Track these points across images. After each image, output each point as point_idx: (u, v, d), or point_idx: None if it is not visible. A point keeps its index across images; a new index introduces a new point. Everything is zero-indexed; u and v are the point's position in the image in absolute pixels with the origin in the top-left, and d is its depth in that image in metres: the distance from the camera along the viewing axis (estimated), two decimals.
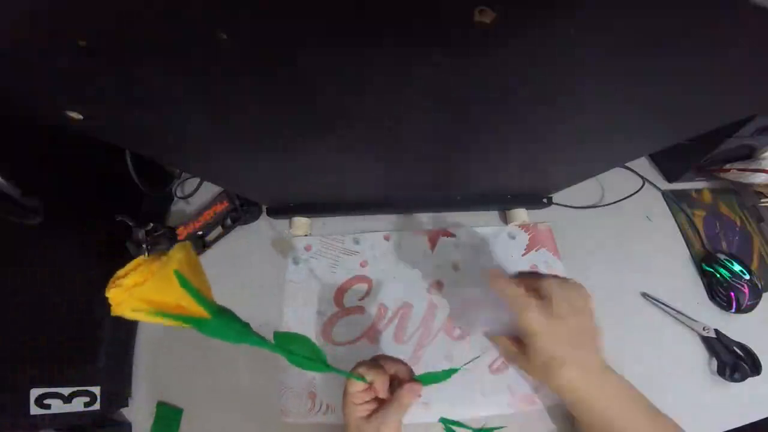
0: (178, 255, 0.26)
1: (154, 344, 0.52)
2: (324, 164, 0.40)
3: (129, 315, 0.24)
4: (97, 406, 0.44)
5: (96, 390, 0.44)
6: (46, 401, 0.39)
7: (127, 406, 0.48)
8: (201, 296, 0.27)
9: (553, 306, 0.35)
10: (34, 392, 0.39)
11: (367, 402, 0.35)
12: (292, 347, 0.30)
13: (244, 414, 0.48)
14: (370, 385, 0.34)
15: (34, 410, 0.38)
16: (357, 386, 0.34)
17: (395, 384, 0.35)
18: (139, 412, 0.48)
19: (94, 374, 0.45)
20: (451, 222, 0.58)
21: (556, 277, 0.39)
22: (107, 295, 0.24)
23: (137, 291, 0.24)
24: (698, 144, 0.55)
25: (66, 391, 0.41)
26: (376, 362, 0.36)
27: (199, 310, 0.27)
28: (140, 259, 0.25)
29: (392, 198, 0.55)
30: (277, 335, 0.30)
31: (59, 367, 0.42)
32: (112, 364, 0.48)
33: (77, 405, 0.42)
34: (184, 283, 0.25)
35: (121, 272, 0.25)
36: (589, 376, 0.35)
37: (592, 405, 0.36)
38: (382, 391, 0.34)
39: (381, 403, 0.35)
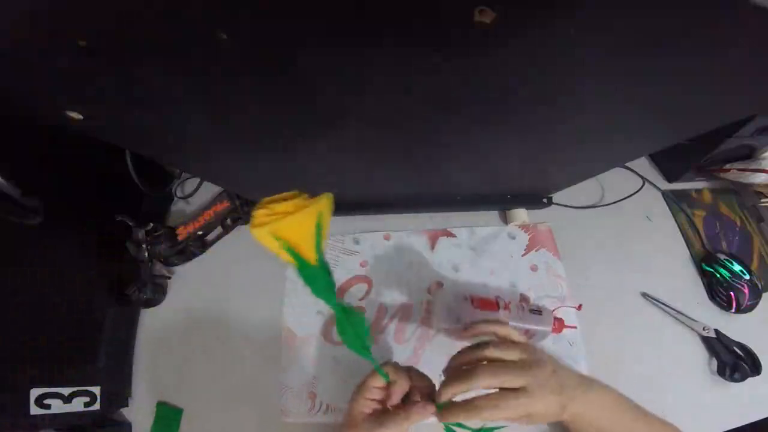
0: (325, 200, 0.28)
1: (154, 344, 0.52)
2: (324, 164, 0.40)
3: (263, 237, 0.27)
4: (97, 406, 0.44)
5: (96, 390, 0.44)
6: (46, 401, 0.39)
7: (127, 406, 0.48)
8: (321, 244, 0.30)
9: (529, 392, 0.33)
10: (34, 392, 0.39)
11: (375, 401, 0.35)
12: (349, 321, 0.32)
13: (244, 414, 0.48)
14: (389, 385, 0.35)
15: (34, 410, 0.38)
16: (376, 381, 0.35)
17: (408, 398, 0.36)
18: (139, 412, 0.48)
19: (94, 374, 0.45)
20: (451, 222, 0.58)
21: (486, 346, 0.36)
22: (253, 213, 0.28)
23: (282, 219, 0.27)
24: (698, 144, 0.55)
25: (66, 391, 0.41)
26: (404, 368, 0.36)
27: (309, 255, 0.30)
28: (296, 192, 0.28)
29: (392, 198, 0.55)
30: (340, 307, 0.32)
31: (59, 367, 0.42)
32: (112, 364, 0.47)
33: (77, 405, 0.42)
34: (319, 227, 0.28)
35: (274, 197, 0.28)
36: (576, 400, 0.35)
37: (586, 420, 0.36)
38: (396, 395, 0.35)
39: (385, 410, 0.35)
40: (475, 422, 0.35)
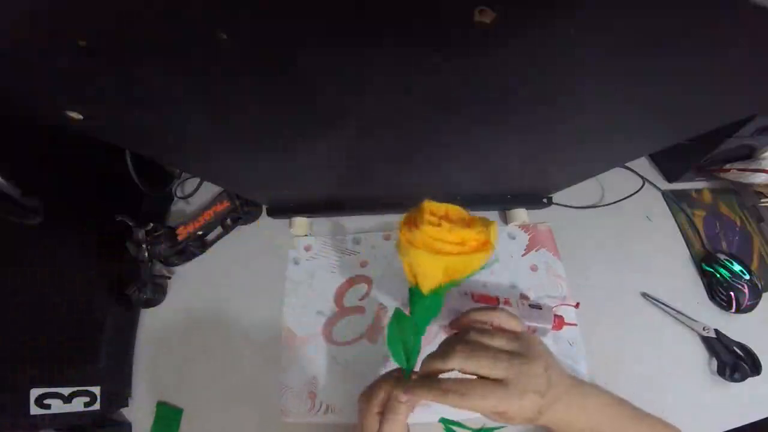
0: (487, 252, 0.31)
1: (154, 344, 0.52)
2: (324, 164, 0.40)
3: (422, 260, 0.31)
4: (97, 406, 0.44)
5: (96, 390, 0.44)
6: (46, 401, 0.39)
7: (127, 406, 0.48)
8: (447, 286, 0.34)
9: (513, 385, 0.30)
10: (34, 392, 0.39)
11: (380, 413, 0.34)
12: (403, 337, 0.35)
13: (244, 414, 0.48)
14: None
15: (34, 410, 0.38)
16: (382, 393, 0.34)
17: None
18: (139, 412, 0.48)
19: (94, 374, 0.45)
20: None
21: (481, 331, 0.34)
22: (420, 226, 0.31)
23: (453, 255, 0.30)
24: (698, 144, 0.55)
25: (66, 391, 0.41)
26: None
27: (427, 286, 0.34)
28: (483, 223, 0.32)
29: (392, 198, 0.55)
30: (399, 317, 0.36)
31: (59, 367, 0.42)
32: (112, 364, 0.48)
33: (77, 405, 0.42)
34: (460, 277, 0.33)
35: (439, 209, 0.32)
36: (569, 402, 0.33)
37: (577, 424, 0.34)
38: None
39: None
40: (475, 423, 0.35)
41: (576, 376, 0.36)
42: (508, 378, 0.30)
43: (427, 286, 0.34)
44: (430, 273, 0.33)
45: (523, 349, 0.32)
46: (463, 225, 0.31)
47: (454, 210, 0.33)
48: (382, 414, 0.33)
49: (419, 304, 0.35)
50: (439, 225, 0.30)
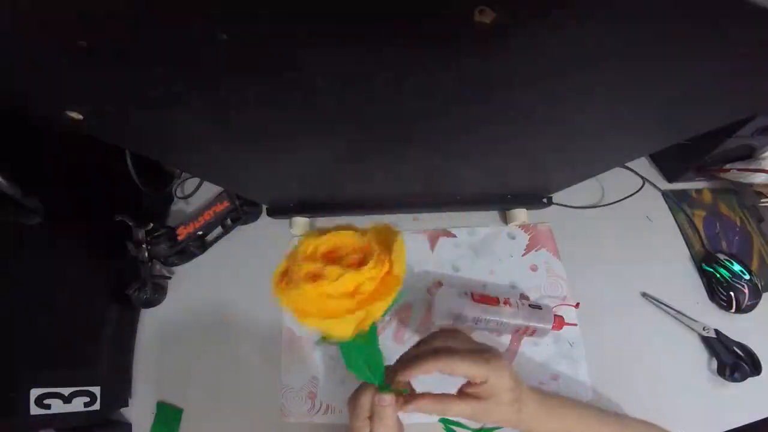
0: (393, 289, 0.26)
1: (154, 344, 0.52)
2: (324, 164, 0.40)
3: (297, 316, 0.25)
4: (97, 406, 0.44)
5: (96, 390, 0.44)
6: (46, 401, 0.39)
7: (127, 406, 0.48)
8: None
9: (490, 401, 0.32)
10: (34, 392, 0.39)
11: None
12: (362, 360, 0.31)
13: (244, 414, 0.48)
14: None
15: (34, 410, 0.38)
16: (368, 398, 0.33)
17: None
18: (139, 412, 0.48)
19: (94, 374, 0.45)
20: (451, 222, 0.58)
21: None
22: (299, 263, 0.25)
23: (320, 303, 0.24)
24: (698, 144, 0.55)
25: (66, 391, 0.41)
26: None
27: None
28: (381, 245, 0.26)
29: (392, 198, 0.55)
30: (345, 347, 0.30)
31: (59, 367, 0.42)
32: (112, 364, 0.48)
33: (77, 405, 0.42)
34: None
35: (324, 249, 0.25)
36: (539, 419, 0.35)
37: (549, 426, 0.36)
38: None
39: None
40: (474, 423, 0.35)
41: (541, 390, 0.38)
42: (488, 378, 0.31)
43: (336, 336, 0.28)
44: (331, 332, 0.27)
45: (487, 350, 0.34)
46: (357, 257, 0.26)
47: (341, 238, 0.27)
48: (371, 419, 0.33)
49: (345, 354, 0.30)
50: (317, 277, 0.24)
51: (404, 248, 0.27)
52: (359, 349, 0.30)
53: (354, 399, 0.34)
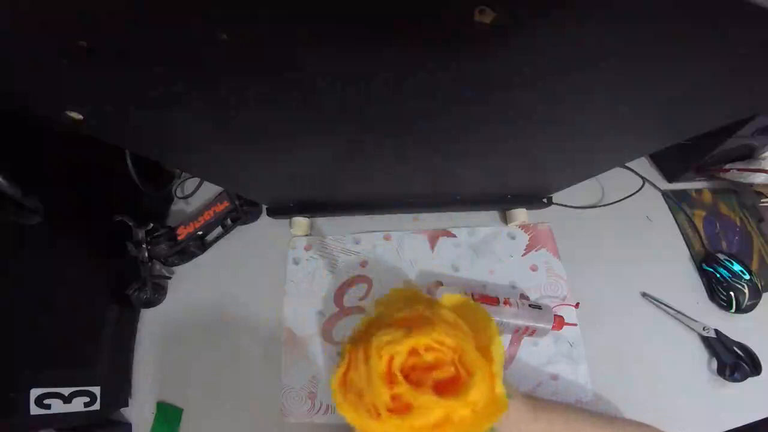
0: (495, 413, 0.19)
1: (154, 344, 0.52)
2: (324, 164, 0.40)
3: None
4: (97, 406, 0.44)
5: (96, 390, 0.44)
6: (46, 401, 0.39)
7: (127, 406, 0.48)
8: None
9: None
10: (34, 392, 0.39)
11: None
12: None
13: (244, 414, 0.48)
14: None
15: (34, 410, 0.38)
16: None
17: None
18: (139, 412, 0.48)
19: (94, 374, 0.45)
20: (451, 222, 0.58)
21: None
22: (377, 383, 0.17)
23: None
24: (698, 144, 0.55)
25: (66, 391, 0.41)
26: None
27: None
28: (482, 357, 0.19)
29: (392, 198, 0.55)
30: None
31: (59, 367, 0.42)
32: (112, 364, 0.48)
33: (77, 405, 0.42)
34: None
35: (410, 364, 0.18)
36: (526, 423, 0.35)
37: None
38: None
39: None
40: None
41: (530, 394, 0.38)
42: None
43: None
44: None
45: None
46: (449, 371, 0.19)
47: (424, 340, 0.19)
48: None
49: None
50: (405, 409, 0.18)
51: (501, 344, 0.21)
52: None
53: None
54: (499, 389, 0.19)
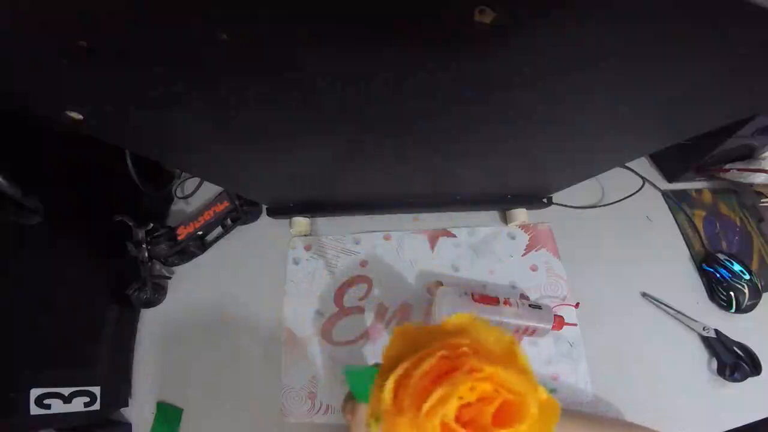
0: None
1: (154, 344, 0.52)
2: (324, 164, 0.40)
3: None
4: (97, 406, 0.44)
5: (96, 390, 0.44)
6: (46, 401, 0.39)
7: (127, 406, 0.48)
8: None
9: None
10: (34, 392, 0.39)
11: None
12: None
13: (244, 414, 0.48)
14: None
15: (34, 410, 0.38)
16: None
17: None
18: (139, 412, 0.48)
19: (94, 374, 0.45)
20: (451, 222, 0.58)
21: None
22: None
23: None
24: (698, 144, 0.55)
25: (66, 391, 0.41)
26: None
27: None
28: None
29: (392, 198, 0.55)
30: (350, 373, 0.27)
31: (59, 367, 0.42)
32: (112, 364, 0.48)
33: (77, 405, 0.42)
34: None
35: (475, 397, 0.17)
36: None
37: None
38: None
39: None
40: None
41: None
42: None
43: None
44: None
45: None
46: (495, 398, 0.18)
47: (469, 381, 0.18)
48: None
49: (354, 384, 0.27)
50: None
51: (522, 349, 0.20)
52: (364, 379, 0.27)
53: (350, 405, 0.33)
54: (546, 394, 0.19)
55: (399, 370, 0.18)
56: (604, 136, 0.34)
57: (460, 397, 0.18)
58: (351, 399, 0.34)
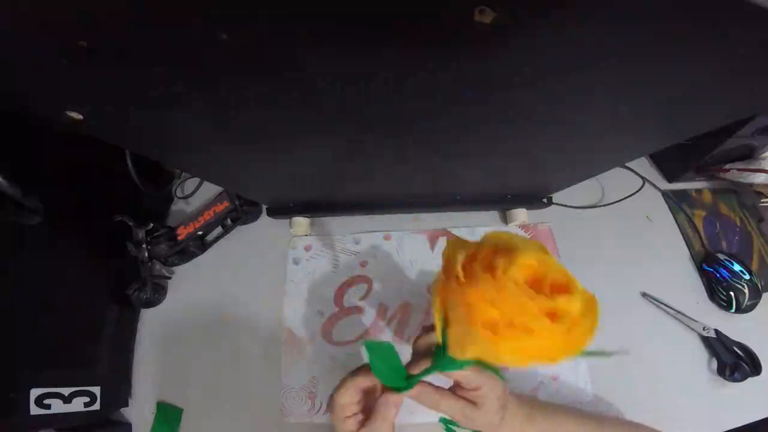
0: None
1: (154, 344, 0.52)
2: (324, 164, 0.40)
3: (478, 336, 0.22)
4: (97, 406, 0.44)
5: (96, 390, 0.44)
6: (46, 401, 0.39)
7: (127, 406, 0.48)
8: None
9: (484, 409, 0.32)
10: (34, 392, 0.39)
11: (356, 414, 0.33)
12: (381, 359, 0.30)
13: (244, 414, 0.48)
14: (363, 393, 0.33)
15: (34, 410, 0.38)
16: (347, 397, 0.32)
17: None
18: (139, 412, 0.48)
19: (94, 374, 0.45)
20: (451, 222, 0.58)
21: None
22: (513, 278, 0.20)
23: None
24: (698, 144, 0.55)
25: (66, 391, 0.41)
26: (358, 372, 0.34)
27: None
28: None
29: (392, 198, 0.55)
30: (369, 345, 0.30)
31: (59, 367, 0.42)
32: (112, 364, 0.48)
33: (77, 405, 0.42)
34: None
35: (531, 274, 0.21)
36: (520, 425, 0.35)
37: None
38: (372, 394, 0.33)
39: (367, 415, 0.33)
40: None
41: (522, 395, 0.38)
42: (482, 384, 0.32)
43: (469, 356, 0.25)
44: (494, 355, 0.24)
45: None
46: (548, 275, 0.23)
47: (547, 268, 0.23)
48: (372, 416, 0.32)
49: (443, 364, 0.29)
50: (557, 317, 0.22)
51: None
52: (383, 355, 0.30)
53: (341, 397, 0.33)
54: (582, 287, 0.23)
55: (463, 252, 0.22)
56: (604, 136, 0.34)
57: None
58: (331, 395, 0.34)
